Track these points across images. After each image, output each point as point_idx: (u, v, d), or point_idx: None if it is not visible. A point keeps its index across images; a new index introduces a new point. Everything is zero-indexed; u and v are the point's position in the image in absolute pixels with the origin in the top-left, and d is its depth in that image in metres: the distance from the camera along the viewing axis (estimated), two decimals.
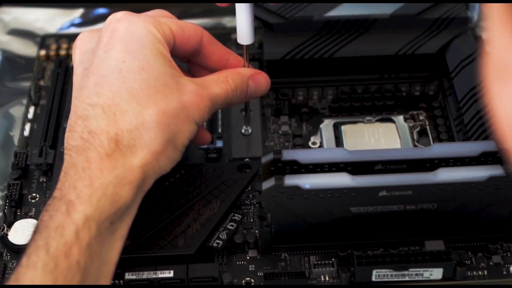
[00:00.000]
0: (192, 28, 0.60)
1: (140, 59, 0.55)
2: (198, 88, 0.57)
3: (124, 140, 0.53)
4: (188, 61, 0.63)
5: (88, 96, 0.55)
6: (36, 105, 0.72)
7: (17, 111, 0.73)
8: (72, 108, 0.56)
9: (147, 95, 0.54)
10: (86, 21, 0.82)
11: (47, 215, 0.50)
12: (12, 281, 0.48)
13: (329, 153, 0.57)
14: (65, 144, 0.54)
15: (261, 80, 0.61)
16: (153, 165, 0.54)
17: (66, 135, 0.55)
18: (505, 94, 0.30)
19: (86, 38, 0.59)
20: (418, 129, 0.67)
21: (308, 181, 0.55)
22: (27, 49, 0.80)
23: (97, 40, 0.57)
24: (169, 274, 0.56)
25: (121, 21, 0.57)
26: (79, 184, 0.51)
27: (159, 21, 0.58)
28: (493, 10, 0.30)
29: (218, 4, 0.61)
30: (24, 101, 0.73)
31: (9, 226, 0.61)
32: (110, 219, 0.51)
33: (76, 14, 0.83)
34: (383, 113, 0.69)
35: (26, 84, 0.75)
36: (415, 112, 0.68)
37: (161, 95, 0.55)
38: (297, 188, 0.55)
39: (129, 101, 0.54)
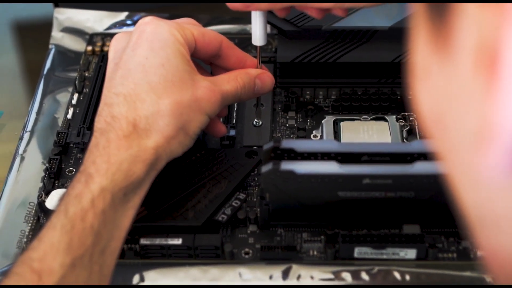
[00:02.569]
0: (212, 35, 0.61)
1: (161, 56, 0.57)
2: (210, 85, 0.58)
3: (141, 125, 0.55)
4: (211, 64, 0.64)
5: (114, 86, 0.57)
6: (80, 93, 0.74)
7: (63, 97, 0.75)
8: (102, 96, 0.58)
9: (164, 87, 0.56)
10: (130, 24, 0.84)
11: (70, 186, 0.52)
12: (35, 242, 0.49)
13: (322, 144, 0.58)
14: (94, 127, 0.56)
15: (267, 79, 0.63)
16: (165, 147, 0.55)
17: (95, 119, 0.57)
18: (425, 91, 0.30)
19: (119, 38, 0.61)
20: (407, 128, 0.68)
21: (302, 167, 0.56)
22: (76, 44, 0.82)
23: (128, 40, 0.59)
24: (178, 241, 0.58)
25: (148, 24, 0.59)
26: (99, 160, 0.53)
27: (182, 26, 0.59)
28: (417, 10, 0.29)
29: (228, 5, 0.60)
30: (70, 89, 0.76)
31: (47, 194, 0.63)
32: (123, 191, 0.52)
33: (121, 16, 0.85)
34: (379, 113, 0.70)
35: (74, 74, 0.77)
36: (406, 114, 0.69)
37: (177, 88, 0.56)
38: (291, 173, 0.56)
39: (148, 92, 0.56)
